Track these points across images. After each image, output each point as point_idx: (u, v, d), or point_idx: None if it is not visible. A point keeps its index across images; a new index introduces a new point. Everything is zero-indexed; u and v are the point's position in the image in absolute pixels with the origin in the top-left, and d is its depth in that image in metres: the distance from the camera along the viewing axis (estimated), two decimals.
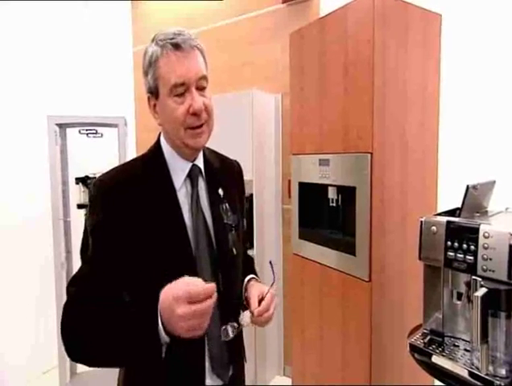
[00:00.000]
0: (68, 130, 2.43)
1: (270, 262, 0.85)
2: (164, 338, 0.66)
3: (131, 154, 2.80)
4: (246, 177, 2.19)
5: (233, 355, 0.87)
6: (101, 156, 2.44)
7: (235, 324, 0.73)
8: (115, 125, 2.34)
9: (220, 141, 2.21)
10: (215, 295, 0.65)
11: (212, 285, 0.64)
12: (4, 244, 2.32)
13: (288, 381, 2.11)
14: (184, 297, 0.62)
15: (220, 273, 0.83)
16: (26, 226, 2.43)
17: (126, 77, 3.15)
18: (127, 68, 3.18)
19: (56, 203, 2.23)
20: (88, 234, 0.80)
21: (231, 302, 0.84)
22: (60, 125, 2.33)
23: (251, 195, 2.27)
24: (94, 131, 2.40)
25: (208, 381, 0.81)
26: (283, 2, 2.35)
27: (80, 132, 2.38)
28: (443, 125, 1.69)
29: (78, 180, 2.36)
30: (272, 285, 0.83)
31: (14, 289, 2.36)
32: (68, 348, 0.73)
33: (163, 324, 0.65)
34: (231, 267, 0.86)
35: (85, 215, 0.83)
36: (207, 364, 0.81)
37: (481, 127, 1.63)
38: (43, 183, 2.24)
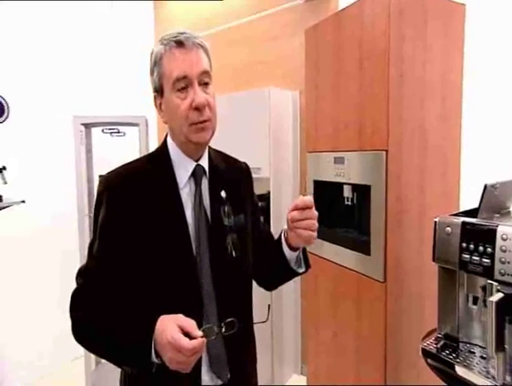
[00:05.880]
0: (93, 130, 2.52)
1: (269, 305, 0.85)
2: (155, 359, 0.70)
3: None
4: (263, 175, 2.22)
5: (234, 356, 0.85)
6: (124, 154, 2.51)
7: (215, 329, 0.71)
8: (136, 124, 2.40)
9: (238, 138, 2.25)
10: (203, 348, 0.68)
11: (200, 343, 0.66)
12: (35, 239, 2.46)
13: (305, 380, 2.10)
14: (175, 347, 0.65)
15: (216, 274, 0.84)
16: (56, 221, 2.57)
17: (149, 78, 3.23)
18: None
19: (82, 199, 2.33)
20: (97, 230, 0.84)
21: (227, 303, 0.84)
22: (86, 125, 2.43)
23: (268, 193, 2.27)
24: (117, 130, 2.49)
25: (205, 379, 0.82)
26: None
27: (103, 131, 2.47)
28: (466, 119, 1.61)
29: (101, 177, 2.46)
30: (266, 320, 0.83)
31: (43, 281, 2.51)
32: (73, 334, 0.79)
33: (155, 349, 0.69)
34: (228, 269, 0.85)
35: (93, 211, 0.87)
36: (204, 361, 0.81)
37: (507, 121, 1.53)
38: (70, 181, 2.35)
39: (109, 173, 0.87)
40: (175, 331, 0.67)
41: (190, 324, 0.68)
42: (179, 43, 0.78)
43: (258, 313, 0.98)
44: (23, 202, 1.80)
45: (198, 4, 2.98)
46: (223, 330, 0.73)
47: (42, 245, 2.49)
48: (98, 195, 0.85)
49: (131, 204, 0.81)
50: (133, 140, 2.47)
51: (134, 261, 0.79)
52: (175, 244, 0.81)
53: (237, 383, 0.87)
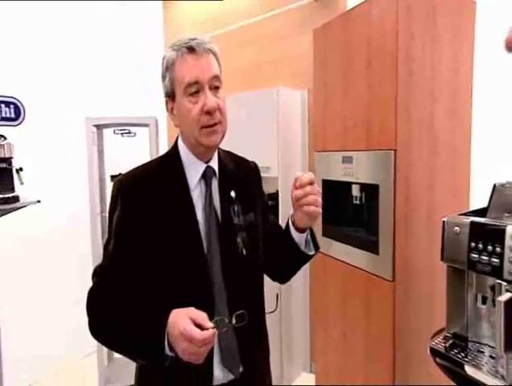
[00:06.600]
0: (104, 130, 2.57)
1: (277, 295, 0.87)
2: (168, 352, 0.73)
3: (163, 152, 2.89)
4: (272, 174, 2.24)
5: (246, 351, 0.87)
6: (135, 154, 2.55)
7: (226, 321, 0.74)
8: (147, 125, 2.44)
9: (247, 138, 2.27)
10: (213, 339, 0.70)
11: (211, 334, 0.69)
12: (50, 238, 2.52)
13: (314, 378, 2.12)
14: (187, 338, 0.68)
15: (227, 272, 0.86)
16: (69, 221, 2.63)
17: (158, 78, 3.27)
18: (159, 70, 3.30)
19: (94, 199, 2.37)
20: (112, 230, 0.87)
21: (238, 300, 0.86)
22: (97, 126, 2.47)
23: (277, 192, 2.29)
24: (128, 131, 2.53)
25: (217, 373, 0.84)
26: None
27: (114, 132, 2.51)
28: (476, 118, 1.60)
29: (113, 177, 2.51)
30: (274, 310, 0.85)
31: (58, 280, 2.57)
32: (90, 330, 0.83)
33: (168, 342, 0.72)
34: (239, 267, 0.88)
35: (108, 212, 0.90)
36: (216, 356, 0.84)
37: None
38: (83, 181, 2.40)
39: (122, 175, 0.90)
40: (187, 323, 0.69)
41: (201, 316, 0.71)
42: (191, 49, 0.80)
43: (267, 304, 1.00)
44: (39, 202, 1.85)
45: (206, 4, 3.01)
46: (233, 321, 0.76)
47: (56, 244, 2.55)
48: (112, 197, 0.88)
49: (144, 205, 0.83)
50: (143, 140, 2.51)
51: (147, 260, 0.82)
52: (186, 244, 0.84)
53: (248, 378, 0.88)
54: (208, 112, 0.81)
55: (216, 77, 0.83)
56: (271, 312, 0.92)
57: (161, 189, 0.85)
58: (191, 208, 0.85)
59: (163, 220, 0.83)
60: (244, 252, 0.89)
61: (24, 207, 1.81)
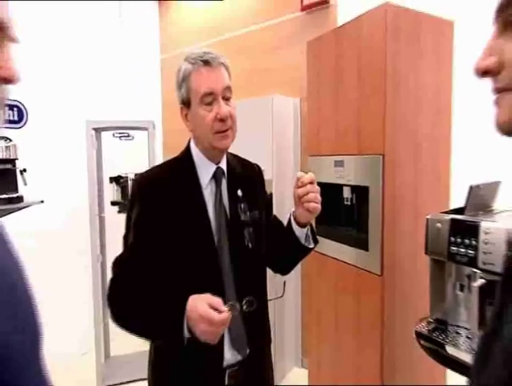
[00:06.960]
0: (103, 133, 2.63)
1: (284, 282, 0.97)
2: (186, 334, 0.82)
3: (159, 155, 2.98)
4: (266, 177, 2.33)
5: (252, 333, 0.97)
6: (132, 157, 2.63)
7: (237, 306, 0.84)
8: (145, 129, 2.52)
9: (243, 143, 2.36)
10: (228, 321, 0.79)
11: (226, 316, 0.79)
12: (50, 239, 2.56)
13: (305, 373, 2.22)
14: (206, 320, 0.77)
15: (235, 264, 0.96)
16: (70, 221, 2.67)
17: (155, 83, 3.35)
18: (156, 75, 3.39)
19: (93, 200, 2.43)
20: (131, 224, 0.96)
21: (245, 288, 0.96)
22: (96, 129, 2.54)
23: (271, 194, 2.39)
24: (126, 134, 2.60)
25: (227, 355, 0.94)
26: (302, 10, 2.46)
27: (113, 135, 2.58)
28: (456, 126, 1.75)
29: (112, 179, 2.57)
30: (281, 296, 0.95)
31: (57, 280, 2.60)
32: (112, 317, 0.91)
33: (187, 325, 0.81)
34: (246, 259, 0.98)
35: (127, 208, 0.99)
36: (226, 340, 0.93)
37: (491, 130, 1.67)
38: (82, 182, 2.45)
39: (141, 175, 1.00)
40: (205, 307, 0.79)
41: (217, 301, 0.81)
42: (206, 63, 0.91)
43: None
44: (42, 202, 1.91)
45: (201, 11, 3.11)
46: (244, 307, 0.86)
47: (56, 245, 2.58)
48: (131, 195, 0.97)
49: (161, 203, 0.93)
50: (140, 143, 2.59)
51: (163, 252, 0.91)
52: (198, 238, 0.94)
53: (253, 359, 0.98)
54: (222, 120, 0.91)
55: (228, 88, 0.94)
56: (278, 297, 1.03)
57: (176, 188, 0.95)
58: (203, 206, 0.95)
59: (177, 216, 0.92)
60: (250, 245, 0.99)
61: (28, 206, 1.87)
